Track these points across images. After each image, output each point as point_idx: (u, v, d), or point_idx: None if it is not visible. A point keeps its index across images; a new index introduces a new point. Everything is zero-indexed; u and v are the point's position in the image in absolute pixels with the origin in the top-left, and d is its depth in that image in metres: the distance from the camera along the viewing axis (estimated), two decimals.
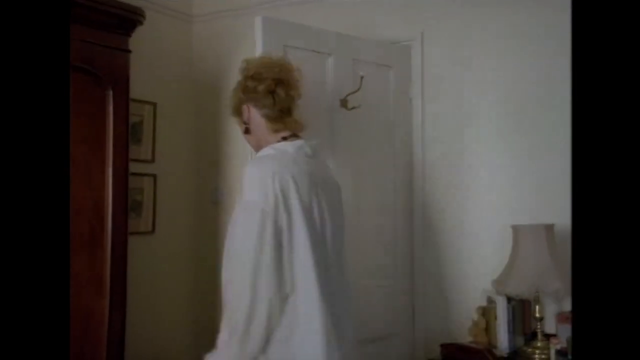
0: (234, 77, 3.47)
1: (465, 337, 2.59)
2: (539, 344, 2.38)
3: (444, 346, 2.48)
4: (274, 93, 1.87)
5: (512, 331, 2.49)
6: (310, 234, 1.73)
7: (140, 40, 2.77)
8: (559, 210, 2.53)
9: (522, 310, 2.53)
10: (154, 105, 3.31)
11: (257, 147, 1.91)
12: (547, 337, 2.41)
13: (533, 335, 2.45)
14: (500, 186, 2.72)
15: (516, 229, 2.45)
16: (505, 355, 2.40)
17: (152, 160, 3.30)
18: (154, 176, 3.30)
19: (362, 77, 2.58)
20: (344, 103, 2.61)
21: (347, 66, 2.66)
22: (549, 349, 2.36)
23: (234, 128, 3.32)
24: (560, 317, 2.45)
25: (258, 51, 2.35)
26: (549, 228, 2.40)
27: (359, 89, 2.59)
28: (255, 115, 1.89)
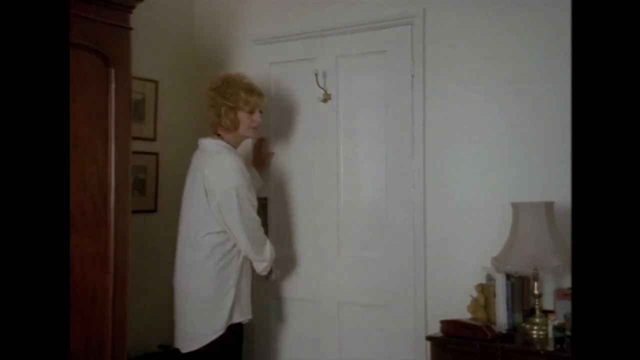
0: (237, 54, 3.51)
1: (464, 314, 2.62)
2: (537, 320, 2.41)
3: (444, 322, 2.51)
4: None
5: (511, 308, 2.52)
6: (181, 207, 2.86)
7: (141, 18, 2.75)
8: (559, 188, 2.55)
9: (521, 287, 2.56)
10: (156, 83, 3.31)
11: None
12: (545, 313, 2.44)
13: (531, 312, 2.49)
14: (500, 163, 2.73)
15: (516, 206, 2.47)
16: (504, 332, 2.43)
17: (154, 139, 3.31)
18: (156, 154, 3.31)
19: (316, 75, 3.08)
20: (324, 98, 3.09)
21: (330, 64, 3.12)
22: (546, 325, 2.39)
23: None
24: (558, 294, 2.48)
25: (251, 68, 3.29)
26: (549, 205, 2.41)
27: (323, 87, 3.10)
28: None
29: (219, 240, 2.66)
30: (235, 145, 2.81)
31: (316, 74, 3.09)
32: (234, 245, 2.68)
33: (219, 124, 2.78)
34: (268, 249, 2.76)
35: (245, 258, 2.73)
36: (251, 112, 2.75)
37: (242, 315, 2.72)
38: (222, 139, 2.77)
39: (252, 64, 3.34)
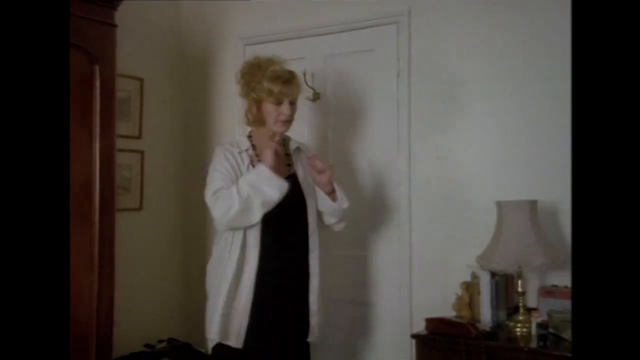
0: (223, 52, 3.48)
1: (449, 312, 2.64)
2: (520, 318, 2.43)
3: (429, 320, 2.52)
4: None
5: (496, 306, 2.53)
6: None
7: (126, 14, 2.74)
8: (542, 187, 2.58)
9: (505, 285, 2.58)
10: (141, 80, 3.29)
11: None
12: (529, 310, 2.46)
13: (515, 309, 2.51)
14: (485, 162, 2.74)
15: (500, 205, 2.49)
16: (488, 329, 2.44)
17: (139, 137, 3.29)
18: (142, 152, 3.30)
19: (304, 74, 3.01)
20: (313, 98, 3.08)
21: (319, 64, 3.12)
22: (530, 322, 2.41)
23: (222, 104, 3.34)
24: (542, 291, 2.51)
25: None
26: (533, 204, 2.43)
27: (312, 86, 3.09)
28: None
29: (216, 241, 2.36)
30: (265, 143, 2.32)
31: (304, 74, 3.08)
32: (229, 249, 2.26)
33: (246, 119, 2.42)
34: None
35: (253, 280, 2.23)
36: (278, 104, 2.32)
37: (232, 339, 2.25)
38: (251, 136, 2.41)
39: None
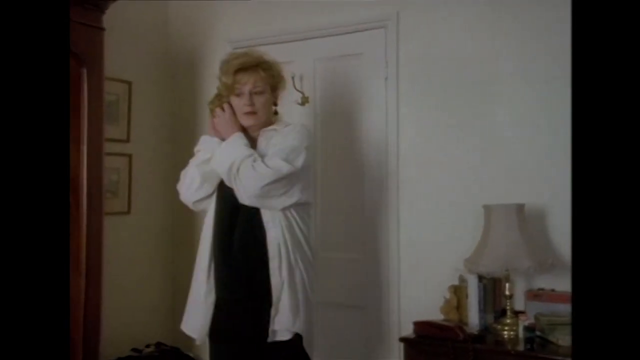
0: (211, 55, 3.48)
1: (437, 315, 2.65)
2: (508, 321, 2.45)
3: (417, 323, 2.53)
4: None
5: (483, 309, 2.55)
6: None
7: (114, 18, 2.73)
8: (530, 190, 2.59)
9: (492, 289, 2.59)
10: (129, 84, 3.28)
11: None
12: (516, 314, 2.48)
13: (502, 313, 2.52)
14: (473, 166, 2.76)
15: (488, 209, 2.50)
16: (476, 332, 2.46)
17: (127, 140, 3.28)
18: (130, 156, 3.28)
19: (292, 77, 3.00)
20: (302, 101, 3.10)
21: (308, 67, 3.12)
22: (517, 325, 2.43)
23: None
24: (529, 295, 2.52)
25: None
26: (520, 207, 2.45)
27: (300, 90, 3.11)
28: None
29: None
30: (250, 138, 2.22)
31: (293, 77, 3.09)
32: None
33: None
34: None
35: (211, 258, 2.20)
36: (237, 95, 2.18)
37: (189, 327, 2.25)
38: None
39: None
